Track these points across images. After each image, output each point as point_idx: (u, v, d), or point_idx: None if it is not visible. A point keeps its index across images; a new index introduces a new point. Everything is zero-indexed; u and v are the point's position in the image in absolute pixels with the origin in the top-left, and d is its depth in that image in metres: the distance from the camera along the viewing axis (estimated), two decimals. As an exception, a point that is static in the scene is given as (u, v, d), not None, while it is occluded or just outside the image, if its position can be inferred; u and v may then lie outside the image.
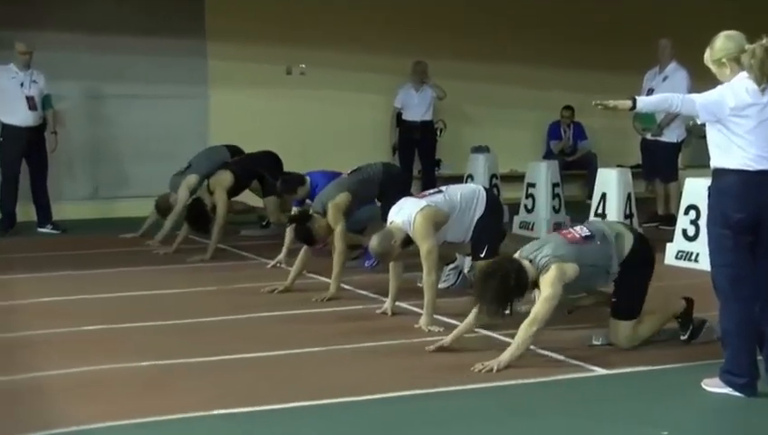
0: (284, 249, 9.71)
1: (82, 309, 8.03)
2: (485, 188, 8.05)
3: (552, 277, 6.11)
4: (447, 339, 6.55)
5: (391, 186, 8.94)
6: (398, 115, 14.57)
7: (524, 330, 6.09)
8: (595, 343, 6.59)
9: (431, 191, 7.84)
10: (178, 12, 14.07)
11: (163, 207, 11.31)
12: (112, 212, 13.68)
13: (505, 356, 6.06)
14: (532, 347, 6.36)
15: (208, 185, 10.64)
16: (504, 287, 6.09)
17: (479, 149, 14.10)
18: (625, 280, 6.46)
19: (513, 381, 5.85)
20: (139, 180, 13.78)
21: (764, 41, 5.34)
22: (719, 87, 5.49)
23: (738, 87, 5.40)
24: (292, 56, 14.63)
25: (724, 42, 5.52)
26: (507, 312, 6.29)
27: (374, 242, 7.42)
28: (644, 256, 6.49)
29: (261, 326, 7.42)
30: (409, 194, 8.54)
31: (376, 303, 8.08)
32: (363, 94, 14.91)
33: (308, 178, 9.83)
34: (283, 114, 14.57)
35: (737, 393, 5.49)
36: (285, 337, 7.01)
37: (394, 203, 7.77)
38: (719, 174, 5.46)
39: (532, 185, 12.34)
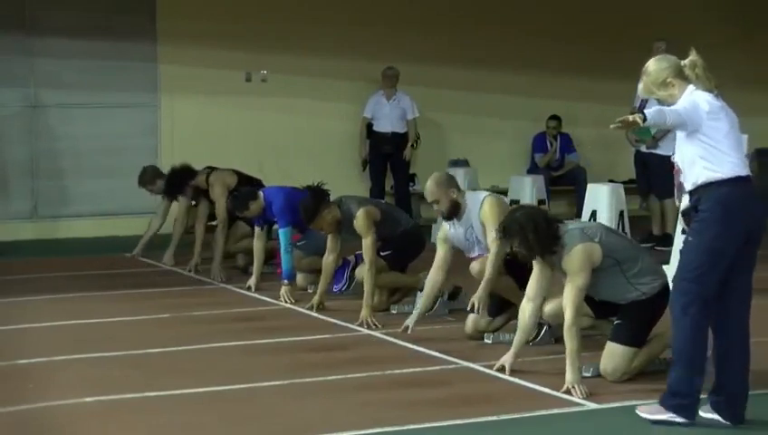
0: (256, 271, 9.82)
1: (19, 340, 7.97)
2: None
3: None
4: (508, 357, 6.63)
5: (407, 241, 8.99)
6: (369, 126, 14.58)
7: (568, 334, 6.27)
8: (585, 374, 6.60)
9: None
10: (126, 11, 14.01)
11: (148, 177, 11.37)
12: (53, 233, 13.61)
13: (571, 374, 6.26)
14: (513, 379, 6.45)
15: (207, 177, 10.78)
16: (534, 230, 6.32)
17: (457, 163, 14.13)
18: (636, 304, 6.55)
19: (492, 417, 5.84)
20: (82, 198, 13.73)
21: (693, 52, 5.67)
22: (685, 96, 5.65)
23: (699, 94, 5.63)
24: (253, 61, 14.59)
25: (658, 63, 5.77)
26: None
27: (430, 180, 7.75)
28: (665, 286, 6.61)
29: (213, 358, 7.38)
30: (415, 255, 8.96)
31: (345, 331, 8.08)
32: (331, 103, 14.89)
33: (261, 193, 9.84)
34: (242, 125, 14.53)
35: (679, 419, 5.64)
36: (240, 370, 6.97)
37: (398, 253, 8.62)
38: (713, 187, 5.58)
39: (515, 202, 12.35)
